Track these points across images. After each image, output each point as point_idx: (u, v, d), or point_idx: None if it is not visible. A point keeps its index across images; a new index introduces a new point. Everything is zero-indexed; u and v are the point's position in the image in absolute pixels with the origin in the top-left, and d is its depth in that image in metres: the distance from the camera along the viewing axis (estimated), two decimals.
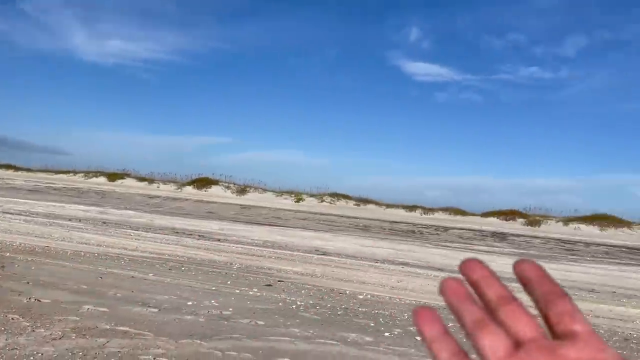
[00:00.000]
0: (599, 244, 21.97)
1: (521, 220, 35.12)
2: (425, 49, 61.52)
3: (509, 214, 36.84)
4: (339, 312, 6.85)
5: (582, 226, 32.85)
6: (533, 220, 35.14)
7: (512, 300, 0.37)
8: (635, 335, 7.00)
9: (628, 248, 21.25)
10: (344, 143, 69.71)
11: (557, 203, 66.33)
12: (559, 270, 12.97)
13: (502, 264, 13.43)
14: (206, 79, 68.61)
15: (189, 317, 5.93)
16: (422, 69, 67.75)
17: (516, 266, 0.39)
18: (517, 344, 0.35)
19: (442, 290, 0.39)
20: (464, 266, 0.40)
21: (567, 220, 34.66)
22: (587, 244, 21.54)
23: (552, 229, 31.22)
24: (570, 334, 0.34)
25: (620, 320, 7.93)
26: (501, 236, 22.05)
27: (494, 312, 0.37)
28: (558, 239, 22.68)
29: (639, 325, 7.64)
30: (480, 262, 0.41)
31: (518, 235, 22.99)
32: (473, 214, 37.06)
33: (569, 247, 19.75)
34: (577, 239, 23.53)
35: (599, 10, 58.06)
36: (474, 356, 0.37)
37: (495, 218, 35.82)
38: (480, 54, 63.05)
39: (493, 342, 0.35)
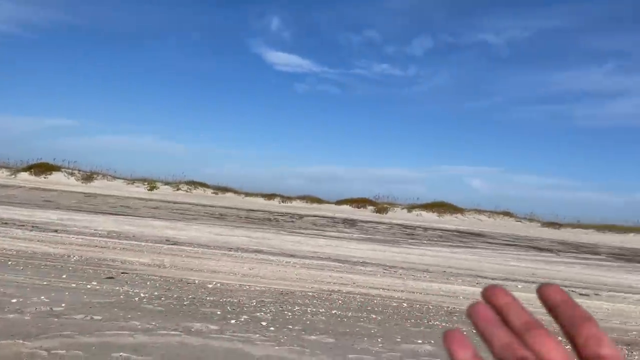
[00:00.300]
0: (435, 229, 24.27)
1: (371, 207, 37.48)
2: (286, 39, 62.34)
3: (361, 202, 39.09)
4: (185, 302, 6.68)
5: (423, 213, 36.04)
6: (381, 207, 37.70)
7: (538, 325, 0.38)
8: (458, 309, 7.86)
9: (459, 232, 23.80)
10: (204, 129, 68.00)
11: (403, 192, 71.94)
12: (400, 254, 14.08)
13: (351, 248, 14.20)
14: (49, 55, 62.06)
15: (11, 315, 5.34)
16: (282, 59, 68.59)
17: (541, 291, 0.40)
18: None
19: (471, 315, 0.40)
20: (488, 293, 0.41)
21: (410, 208, 37.77)
22: (426, 229, 23.67)
23: (398, 216, 33.78)
24: (598, 357, 0.35)
25: (447, 296, 8.84)
26: (351, 222, 23.27)
27: (521, 337, 0.37)
28: (401, 225, 24.61)
29: (462, 301, 8.58)
30: (503, 289, 0.41)
31: (367, 222, 24.47)
32: (328, 202, 38.67)
33: (409, 232, 21.53)
34: (417, 225, 25.74)
35: (442, 15, 63.74)
36: None
37: (348, 206, 37.75)
38: (338, 49, 65.61)
39: None
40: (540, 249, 19.68)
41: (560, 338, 0.39)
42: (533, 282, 11.08)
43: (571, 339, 0.37)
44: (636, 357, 6.11)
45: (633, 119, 69.66)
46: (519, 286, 10.42)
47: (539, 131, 70.33)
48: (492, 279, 11.09)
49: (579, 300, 9.48)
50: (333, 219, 24.73)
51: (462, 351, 0.38)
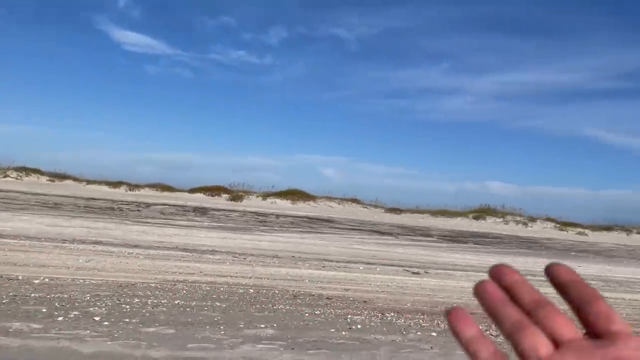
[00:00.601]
0: (288, 216, 24.80)
1: (226, 195, 37.05)
2: (136, 18, 58.61)
3: (215, 190, 38.41)
4: (4, 301, 5.96)
5: (278, 200, 36.60)
6: (236, 195, 37.46)
7: (547, 303, 0.38)
8: (302, 292, 8.10)
9: (310, 218, 24.61)
10: (40, 111, 61.29)
11: (260, 179, 72.41)
12: (251, 241, 14.12)
13: (200, 237, 13.89)
14: None
15: None
16: (131, 39, 64.50)
17: (549, 270, 0.39)
18: (557, 345, 0.35)
19: (479, 294, 0.39)
20: (496, 271, 0.40)
21: (265, 195, 38.09)
22: (278, 216, 24.06)
23: (252, 203, 33.87)
24: (609, 333, 0.35)
25: (294, 280, 9.07)
26: (203, 211, 22.77)
27: (531, 315, 0.37)
28: (255, 212, 24.72)
29: (307, 284, 8.88)
30: (510, 267, 0.40)
31: (219, 210, 24.13)
32: (181, 190, 37.36)
33: (262, 219, 21.71)
34: (271, 212, 26.07)
35: (297, 6, 64.96)
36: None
37: (202, 194, 36.90)
38: (192, 31, 63.46)
39: (534, 343, 0.35)
40: (382, 233, 21.18)
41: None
42: (373, 264, 11.86)
43: (581, 316, 0.37)
44: None
45: (464, 115, 78.16)
46: (361, 267, 11.10)
47: (385, 123, 75.40)
48: (337, 261, 11.64)
49: (413, 279, 10.40)
50: (184, 207, 23.97)
51: (467, 329, 0.38)
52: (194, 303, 6.73)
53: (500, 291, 0.39)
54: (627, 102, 74.43)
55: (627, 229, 38.26)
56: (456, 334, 0.38)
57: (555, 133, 79.48)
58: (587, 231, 36.43)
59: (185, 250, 11.28)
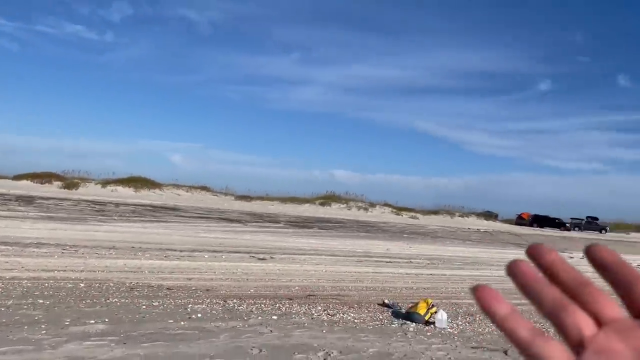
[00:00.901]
0: (128, 204, 23.37)
1: (58, 183, 33.89)
2: None
3: (45, 177, 34.89)
4: None
5: (119, 188, 34.39)
6: (71, 183, 34.39)
7: (588, 283, 0.36)
8: (141, 284, 7.68)
9: (154, 207, 23.49)
10: None
11: (99, 166, 67.15)
12: (85, 231, 13.04)
13: (24, 228, 12.44)
14: None
15: None
16: None
17: (590, 252, 0.38)
18: (600, 325, 0.34)
19: (513, 273, 0.37)
20: (533, 251, 0.38)
21: (105, 183, 35.54)
22: (118, 205, 22.55)
23: (90, 191, 31.39)
24: None
25: (132, 272, 8.57)
26: (28, 200, 20.42)
27: (572, 295, 0.36)
28: (90, 201, 22.85)
29: (147, 275, 8.46)
30: (548, 247, 0.39)
31: (48, 198, 21.85)
32: (3, 177, 33.44)
33: (99, 208, 20.16)
34: (110, 200, 24.33)
35: None
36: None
37: (29, 181, 33.35)
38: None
39: (577, 322, 0.34)
40: (231, 220, 21.04)
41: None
42: (220, 251, 11.72)
43: (624, 297, 0.36)
44: (295, 307, 7.05)
45: (313, 105, 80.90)
46: (206, 256, 10.89)
47: (237, 110, 74.96)
48: (181, 251, 11.27)
49: (258, 265, 10.49)
50: (4, 195, 21.29)
51: (500, 306, 0.36)
52: (10, 302, 6.01)
53: (536, 270, 0.38)
54: (455, 100, 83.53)
55: (451, 212, 43.10)
56: (489, 312, 0.36)
57: (394, 125, 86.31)
58: (418, 215, 40.22)
59: (4, 243, 10.03)
